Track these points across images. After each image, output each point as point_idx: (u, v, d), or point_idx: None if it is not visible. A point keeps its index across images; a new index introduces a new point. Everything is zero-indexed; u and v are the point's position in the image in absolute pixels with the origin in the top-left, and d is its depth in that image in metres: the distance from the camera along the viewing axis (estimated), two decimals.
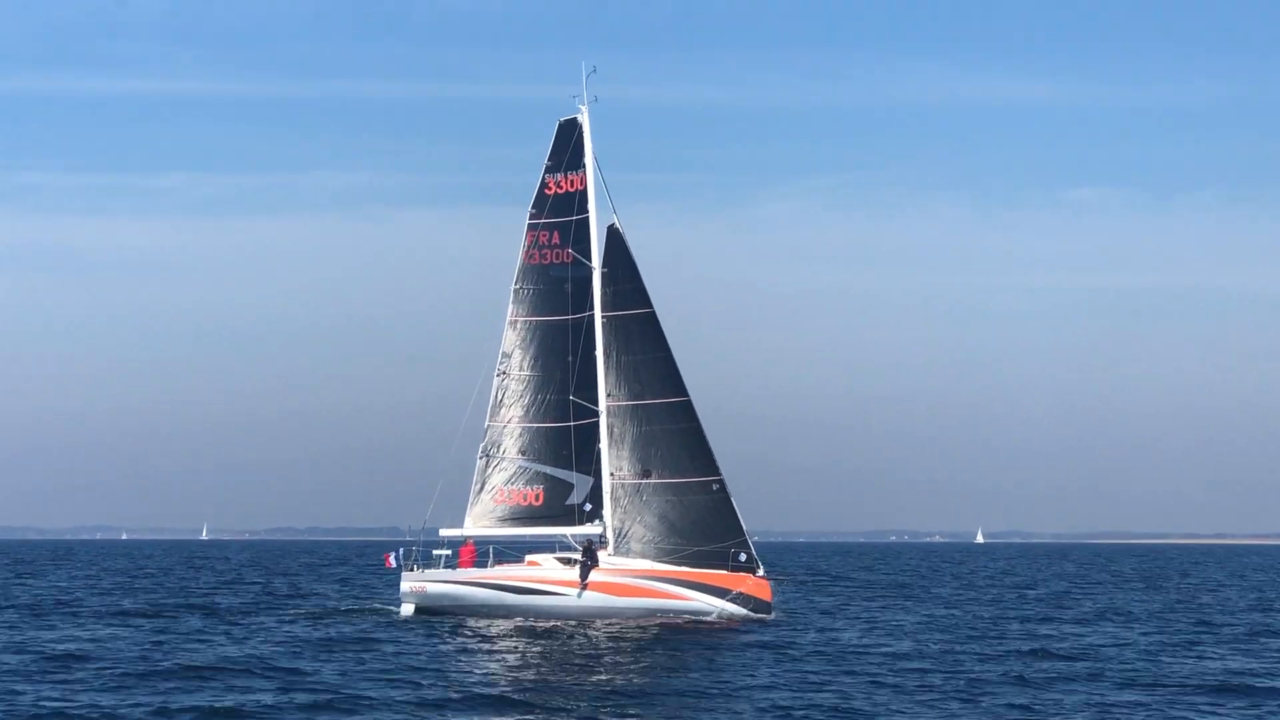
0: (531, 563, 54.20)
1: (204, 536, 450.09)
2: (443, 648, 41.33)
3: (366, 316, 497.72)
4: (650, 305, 54.55)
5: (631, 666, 36.85)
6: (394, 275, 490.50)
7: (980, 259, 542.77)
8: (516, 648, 41.42)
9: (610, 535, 54.02)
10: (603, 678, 34.35)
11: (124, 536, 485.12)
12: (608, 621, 50.37)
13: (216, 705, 29.49)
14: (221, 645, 41.51)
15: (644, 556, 53.53)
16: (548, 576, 53.42)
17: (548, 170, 55.84)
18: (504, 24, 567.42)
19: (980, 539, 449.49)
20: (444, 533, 55.35)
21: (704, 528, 53.17)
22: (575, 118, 55.68)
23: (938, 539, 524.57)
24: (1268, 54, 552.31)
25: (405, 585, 55.25)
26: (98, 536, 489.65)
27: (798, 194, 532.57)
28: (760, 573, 53.03)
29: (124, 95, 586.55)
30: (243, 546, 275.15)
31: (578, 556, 53.29)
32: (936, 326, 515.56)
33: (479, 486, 55.39)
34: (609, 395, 54.49)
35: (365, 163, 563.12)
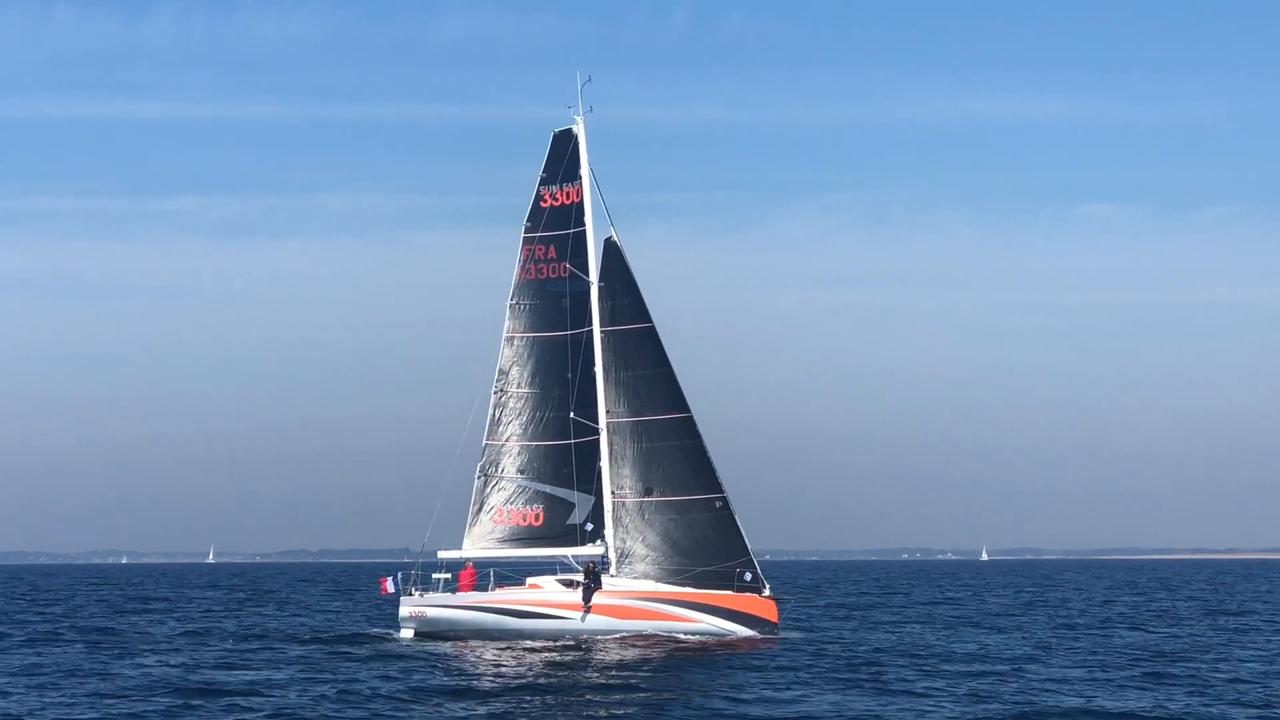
0: (533, 585, 52.96)
1: (210, 560, 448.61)
2: (443, 675, 40.05)
3: (379, 337, 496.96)
4: (650, 320, 53.32)
5: (635, 690, 35.59)
6: (407, 296, 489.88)
7: (993, 276, 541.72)
8: (518, 672, 40.13)
9: (613, 555, 52.77)
10: (607, 700, 33.11)
11: (124, 560, 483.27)
12: (611, 643, 49.07)
13: None
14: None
15: (647, 577, 52.31)
16: (550, 599, 52.17)
17: (542, 182, 54.58)
18: (516, 46, 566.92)
19: (985, 556, 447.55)
20: (442, 555, 54.11)
21: (708, 546, 51.94)
22: (570, 128, 54.45)
23: (950, 556, 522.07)
24: None
25: (404, 610, 53.99)
26: (109, 561, 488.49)
27: (809, 213, 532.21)
28: (766, 592, 51.79)
29: (136, 119, 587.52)
30: (248, 569, 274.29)
31: (580, 578, 52.04)
32: (949, 344, 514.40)
33: (477, 507, 54.13)
34: (609, 412, 53.26)
35: (377, 185, 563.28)
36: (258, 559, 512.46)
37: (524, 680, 38.40)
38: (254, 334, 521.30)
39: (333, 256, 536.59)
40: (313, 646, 49.72)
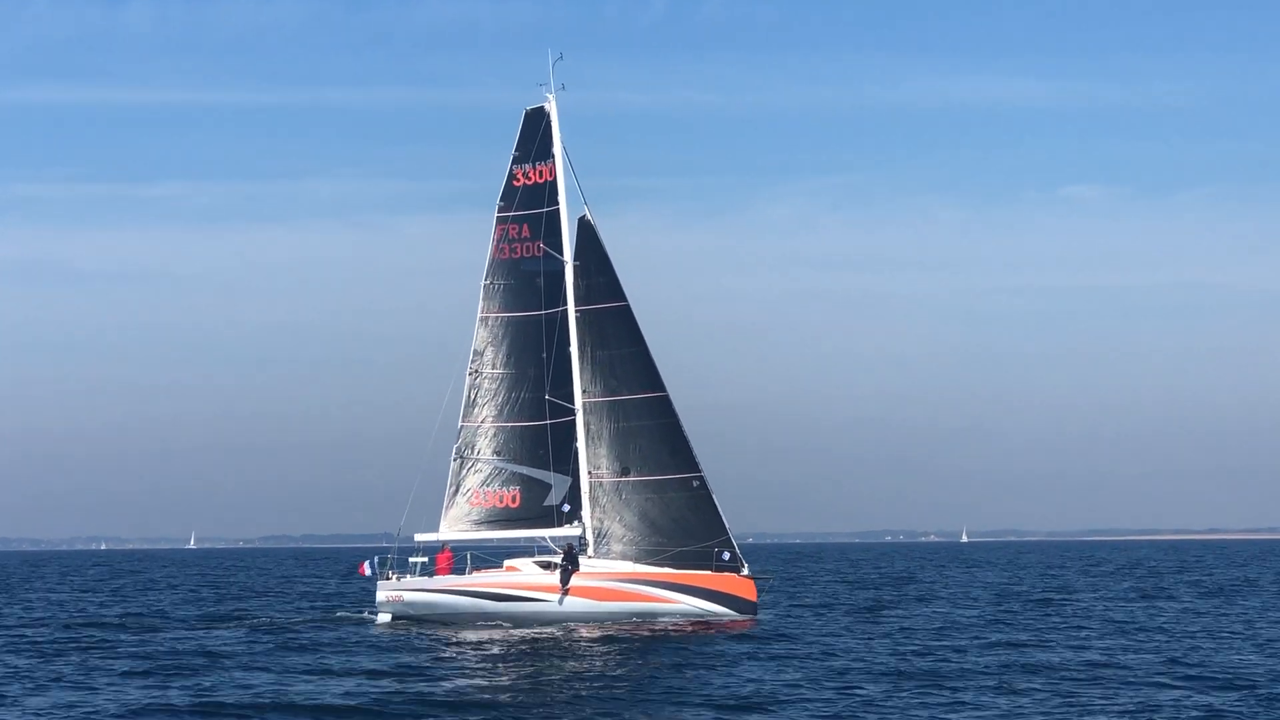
0: (510, 568, 52.58)
1: (191, 545, 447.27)
2: (417, 657, 39.65)
3: (363, 323, 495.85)
4: (624, 298, 52.92)
5: (615, 673, 35.26)
6: (391, 282, 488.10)
7: (975, 259, 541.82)
8: (495, 656, 39.79)
9: (590, 536, 52.39)
10: (586, 685, 32.76)
11: (102, 546, 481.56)
12: (589, 625, 48.76)
13: None
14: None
15: (625, 558, 51.92)
16: (528, 582, 51.77)
17: (515, 161, 54.06)
18: (496, 30, 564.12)
19: (965, 538, 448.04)
20: (419, 538, 53.74)
21: (686, 526, 51.58)
22: (542, 106, 53.93)
23: (933, 538, 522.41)
24: (1262, 52, 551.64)
25: (381, 594, 53.59)
26: (93, 547, 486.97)
27: (793, 196, 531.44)
28: (745, 572, 51.45)
29: (117, 105, 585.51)
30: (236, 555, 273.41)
31: (558, 560, 51.64)
32: (932, 327, 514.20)
33: (453, 489, 53.70)
34: (585, 391, 52.85)
35: (358, 170, 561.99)
36: (240, 544, 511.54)
37: (499, 664, 38.06)
38: (235, 319, 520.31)
39: (314, 242, 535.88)
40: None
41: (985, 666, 36.41)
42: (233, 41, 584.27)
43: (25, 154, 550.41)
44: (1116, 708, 29.45)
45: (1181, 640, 43.93)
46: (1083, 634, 46.42)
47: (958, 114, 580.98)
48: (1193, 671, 35.41)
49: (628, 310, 52.87)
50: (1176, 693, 31.77)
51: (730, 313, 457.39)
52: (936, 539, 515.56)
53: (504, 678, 35.13)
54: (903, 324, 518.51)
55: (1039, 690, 31.97)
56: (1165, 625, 50.15)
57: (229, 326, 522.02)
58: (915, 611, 57.69)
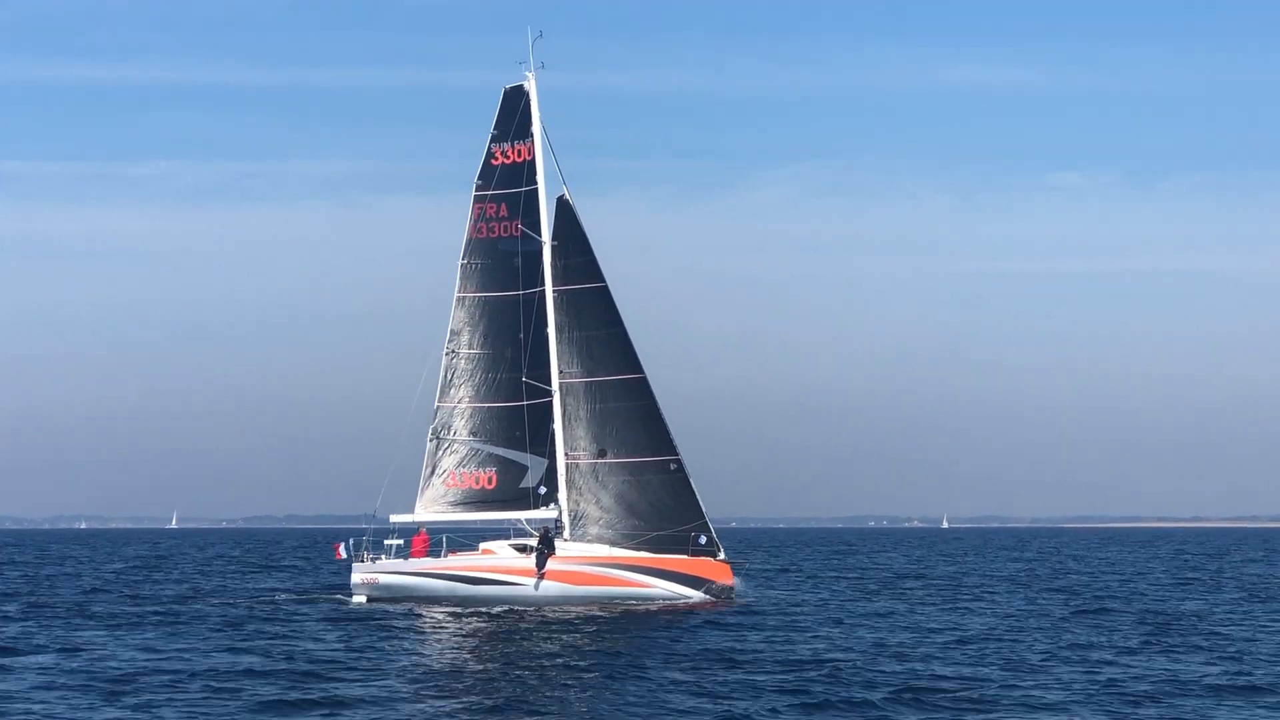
0: (486, 550, 52.16)
1: (173, 525, 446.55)
2: (388, 640, 39.25)
3: (349, 303, 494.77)
4: (603, 279, 52.49)
5: (587, 659, 34.88)
6: (377, 263, 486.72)
7: (964, 244, 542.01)
8: (469, 639, 39.40)
9: (566, 518, 51.97)
10: (558, 670, 32.39)
11: (82, 525, 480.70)
12: (564, 609, 48.37)
13: None
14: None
15: (601, 540, 51.53)
16: (503, 565, 51.36)
17: (494, 140, 53.57)
18: (480, 10, 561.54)
19: (946, 524, 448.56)
20: (394, 519, 53.31)
21: (663, 509, 51.20)
22: (521, 84, 53.46)
23: (916, 524, 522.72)
24: (1249, 39, 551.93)
25: (356, 576, 53.16)
26: (75, 526, 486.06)
27: (782, 180, 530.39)
28: (721, 556, 51.10)
29: (104, 83, 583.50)
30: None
31: (534, 543, 51.22)
32: (920, 312, 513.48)
33: (429, 470, 53.29)
34: (562, 372, 52.41)
35: (345, 150, 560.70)
36: (224, 524, 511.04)
37: (472, 650, 37.70)
38: (220, 299, 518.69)
39: (298, 222, 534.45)
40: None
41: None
42: (218, 21, 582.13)
43: (8, 131, 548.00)
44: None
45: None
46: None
47: (946, 99, 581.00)
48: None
49: (606, 291, 52.44)
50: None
51: (715, 297, 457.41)
52: (919, 524, 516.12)
53: (476, 664, 34.75)
54: (890, 308, 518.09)
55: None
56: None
57: (214, 305, 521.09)
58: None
